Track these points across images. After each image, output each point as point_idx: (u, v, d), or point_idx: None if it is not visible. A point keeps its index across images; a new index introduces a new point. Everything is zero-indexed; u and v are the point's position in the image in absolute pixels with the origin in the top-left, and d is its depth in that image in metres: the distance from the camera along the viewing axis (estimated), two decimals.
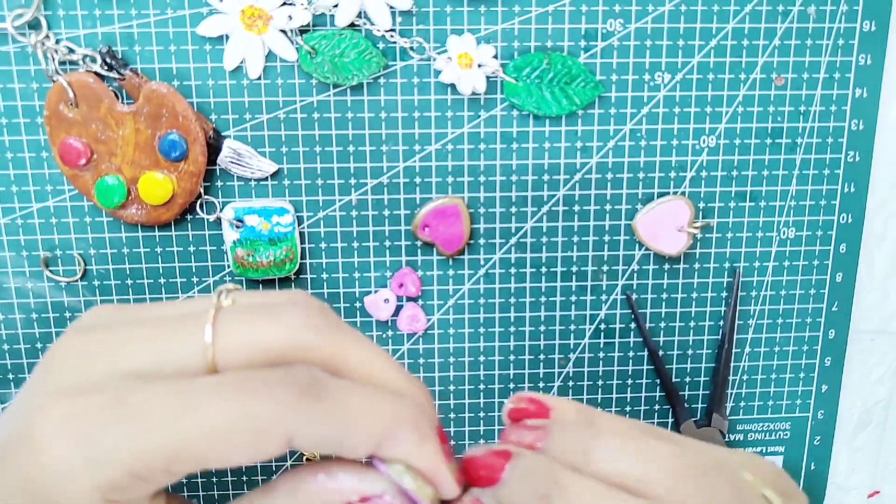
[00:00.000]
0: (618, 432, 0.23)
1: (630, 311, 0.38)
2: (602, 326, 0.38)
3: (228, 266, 0.36)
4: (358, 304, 0.37)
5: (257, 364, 0.21)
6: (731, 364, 0.39)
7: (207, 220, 0.35)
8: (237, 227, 0.35)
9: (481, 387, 0.39)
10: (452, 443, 0.40)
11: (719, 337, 0.39)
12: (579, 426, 0.23)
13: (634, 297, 0.38)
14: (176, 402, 0.19)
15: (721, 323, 0.39)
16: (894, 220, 0.38)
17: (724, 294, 0.38)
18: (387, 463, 0.21)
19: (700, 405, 0.40)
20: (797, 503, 0.23)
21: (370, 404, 0.21)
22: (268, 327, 0.21)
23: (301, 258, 0.36)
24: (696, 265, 0.38)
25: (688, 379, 0.39)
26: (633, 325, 0.38)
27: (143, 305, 0.22)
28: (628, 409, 0.40)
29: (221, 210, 0.35)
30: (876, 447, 0.42)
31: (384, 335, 0.38)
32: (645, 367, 0.39)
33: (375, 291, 0.37)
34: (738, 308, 0.38)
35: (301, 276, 0.36)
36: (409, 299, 0.37)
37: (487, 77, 0.34)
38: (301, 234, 0.36)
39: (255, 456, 0.20)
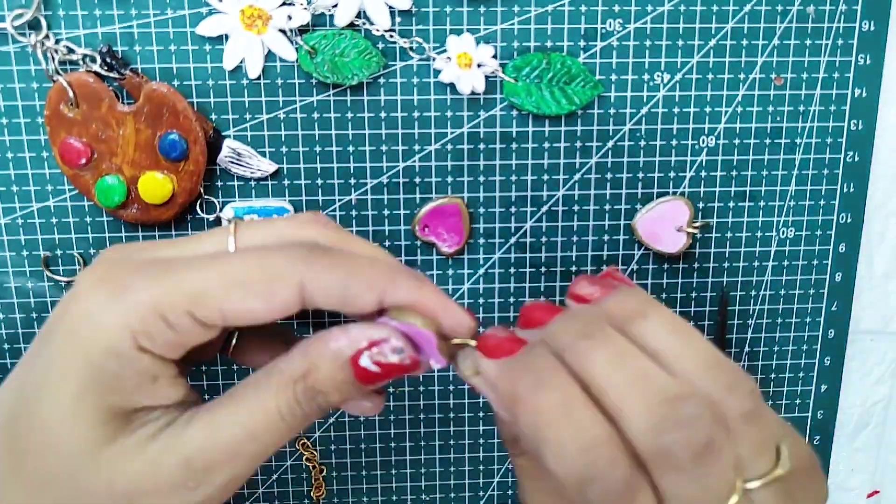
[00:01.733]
0: (673, 316, 0.23)
1: None
2: None
3: None
4: None
5: None
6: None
7: (207, 219, 0.35)
8: None
9: None
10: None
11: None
12: (643, 297, 0.24)
13: None
14: (199, 259, 0.22)
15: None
16: (894, 220, 0.38)
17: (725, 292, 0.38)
18: (392, 315, 0.23)
19: None
20: (807, 472, 0.23)
21: (370, 258, 0.23)
22: (282, 223, 0.24)
23: None
24: (696, 265, 0.38)
25: None
26: None
27: (162, 241, 0.25)
28: None
29: (221, 210, 0.35)
30: (875, 447, 0.42)
31: None
32: None
33: None
34: (726, 327, 0.38)
35: None
36: None
37: (487, 77, 0.34)
38: None
39: (272, 303, 0.22)
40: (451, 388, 0.39)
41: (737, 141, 0.37)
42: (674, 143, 0.36)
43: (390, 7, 0.33)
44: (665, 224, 0.37)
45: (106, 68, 0.33)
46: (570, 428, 0.21)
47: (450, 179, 0.36)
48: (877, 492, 0.43)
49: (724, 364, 0.23)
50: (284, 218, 0.25)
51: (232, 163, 0.34)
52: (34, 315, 0.36)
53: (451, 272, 0.37)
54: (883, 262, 0.39)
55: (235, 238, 0.23)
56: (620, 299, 0.24)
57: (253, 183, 0.35)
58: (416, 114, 0.35)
